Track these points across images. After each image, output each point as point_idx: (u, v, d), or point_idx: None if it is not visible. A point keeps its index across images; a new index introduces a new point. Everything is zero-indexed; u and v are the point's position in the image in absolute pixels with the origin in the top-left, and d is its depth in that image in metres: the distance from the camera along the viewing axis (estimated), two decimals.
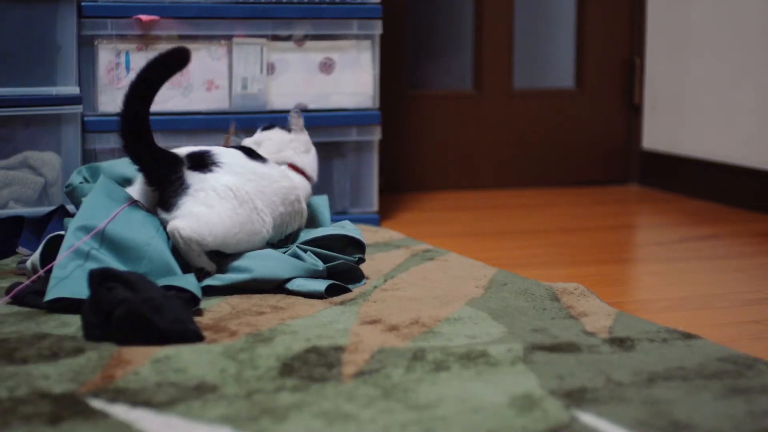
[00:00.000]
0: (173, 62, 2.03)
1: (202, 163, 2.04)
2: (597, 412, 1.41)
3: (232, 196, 2.02)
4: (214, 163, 2.05)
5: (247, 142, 2.35)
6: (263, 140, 2.36)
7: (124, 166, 2.20)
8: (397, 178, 3.34)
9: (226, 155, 2.07)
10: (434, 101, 3.42)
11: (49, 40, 2.48)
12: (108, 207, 1.98)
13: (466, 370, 1.57)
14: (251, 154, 2.14)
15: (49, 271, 1.98)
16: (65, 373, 1.54)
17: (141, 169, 2.02)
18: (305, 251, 2.07)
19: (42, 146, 2.48)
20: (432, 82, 3.58)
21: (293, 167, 2.32)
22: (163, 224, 2.01)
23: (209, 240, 1.99)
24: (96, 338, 1.69)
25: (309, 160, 2.36)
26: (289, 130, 2.38)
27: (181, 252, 1.98)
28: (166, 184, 2.01)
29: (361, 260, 2.12)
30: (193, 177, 2.01)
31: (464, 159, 3.45)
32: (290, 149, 2.35)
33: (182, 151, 2.06)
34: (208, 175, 2.03)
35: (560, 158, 3.53)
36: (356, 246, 2.12)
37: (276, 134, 2.38)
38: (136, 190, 2.06)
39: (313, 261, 2.05)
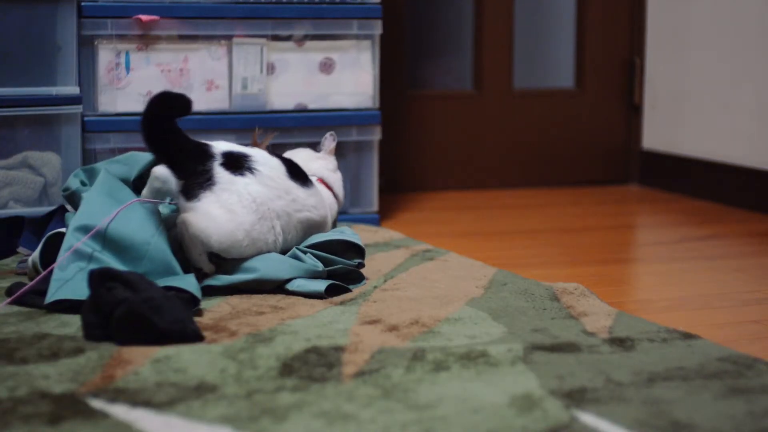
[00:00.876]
0: (174, 108, 1.98)
1: (237, 164, 2.01)
2: (597, 412, 1.41)
3: (254, 208, 2.00)
4: (249, 169, 2.01)
5: None
6: (291, 156, 2.33)
7: (121, 166, 2.19)
8: (397, 178, 3.35)
9: (265, 165, 2.04)
10: (434, 101, 3.42)
11: (49, 40, 2.48)
12: (108, 206, 1.98)
13: (466, 370, 1.57)
14: (294, 171, 2.10)
15: (46, 265, 1.98)
16: (65, 373, 1.54)
17: (164, 163, 2.00)
18: (305, 253, 2.07)
19: (42, 146, 2.48)
20: (432, 82, 3.58)
21: (322, 182, 2.27)
22: (179, 211, 2.00)
23: (214, 244, 1.98)
24: (96, 338, 1.69)
25: (336, 179, 2.33)
26: (318, 152, 2.36)
27: (183, 246, 1.98)
28: (191, 174, 1.98)
29: (361, 265, 2.11)
30: (222, 175, 1.99)
31: (464, 159, 3.45)
32: (319, 165, 2.31)
33: (220, 146, 2.03)
34: (239, 179, 2.00)
35: (560, 158, 3.54)
36: (356, 250, 2.12)
37: (304, 151, 2.36)
38: (166, 171, 2.03)
39: (312, 262, 2.04)
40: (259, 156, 2.05)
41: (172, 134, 1.97)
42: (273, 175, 2.04)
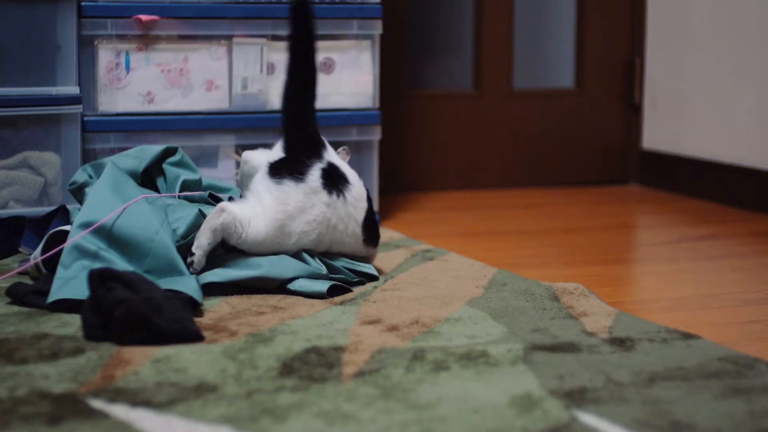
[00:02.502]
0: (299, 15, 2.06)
1: (333, 180, 2.03)
2: (597, 412, 1.41)
3: (312, 224, 2.01)
4: (339, 192, 2.03)
5: None
6: None
7: (131, 159, 2.19)
8: (397, 178, 3.34)
9: (353, 199, 2.06)
10: (434, 101, 3.42)
11: (49, 40, 2.48)
12: (113, 202, 1.97)
13: (466, 370, 1.57)
14: (370, 225, 2.12)
15: (48, 264, 1.98)
16: (65, 373, 1.54)
17: (285, 131, 2.04)
18: (312, 256, 2.06)
19: (42, 146, 2.48)
20: (432, 82, 3.58)
21: None
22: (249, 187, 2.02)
23: (244, 245, 2.00)
24: (96, 338, 1.69)
25: None
26: None
27: (203, 223, 1.98)
28: (291, 157, 2.01)
29: (362, 282, 2.11)
30: (314, 180, 2.01)
31: (464, 159, 3.45)
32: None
33: (332, 155, 2.06)
34: (323, 193, 2.02)
35: (560, 158, 3.53)
36: (365, 275, 2.12)
37: None
38: (254, 154, 2.08)
39: (317, 265, 2.04)
40: (357, 189, 2.08)
41: (302, 110, 2.04)
42: (351, 214, 2.07)
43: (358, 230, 2.10)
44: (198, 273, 1.98)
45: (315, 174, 2.02)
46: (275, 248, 2.02)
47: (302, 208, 2.01)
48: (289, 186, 2.00)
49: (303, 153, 2.03)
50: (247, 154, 2.09)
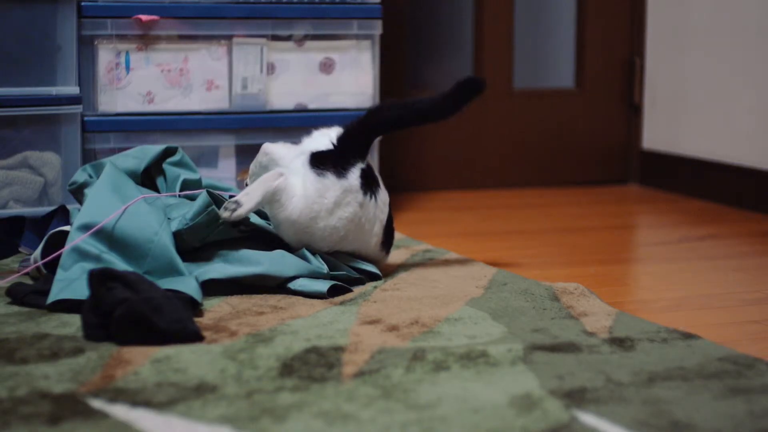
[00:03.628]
0: (467, 91, 2.19)
1: (368, 182, 2.05)
2: (597, 412, 1.42)
3: (343, 220, 2.03)
4: (372, 195, 2.06)
5: None
6: None
7: (131, 159, 2.19)
8: (397, 178, 3.34)
9: (380, 202, 2.09)
10: None
11: (49, 40, 2.48)
12: (113, 202, 1.97)
13: (466, 370, 1.57)
14: (388, 233, 2.14)
15: (49, 265, 1.98)
16: (65, 373, 1.54)
17: (357, 125, 2.08)
18: (313, 254, 2.06)
19: (42, 146, 2.48)
20: (432, 82, 3.57)
21: None
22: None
23: (279, 216, 2.01)
24: (96, 338, 1.69)
25: None
26: None
27: (258, 181, 2.00)
28: (337, 153, 2.03)
29: (362, 282, 2.11)
30: (353, 178, 2.02)
31: (464, 159, 3.45)
32: None
33: (368, 159, 2.08)
34: (359, 192, 2.03)
35: (560, 158, 3.53)
36: (367, 274, 2.12)
37: None
38: (275, 147, 2.09)
39: (318, 263, 2.04)
40: (384, 193, 2.11)
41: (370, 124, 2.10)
42: (378, 216, 2.09)
43: (380, 232, 2.11)
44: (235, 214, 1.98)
45: (355, 173, 2.03)
46: (303, 236, 2.03)
47: (338, 203, 2.02)
48: (330, 180, 2.01)
49: (350, 151, 2.04)
50: (269, 146, 2.10)
